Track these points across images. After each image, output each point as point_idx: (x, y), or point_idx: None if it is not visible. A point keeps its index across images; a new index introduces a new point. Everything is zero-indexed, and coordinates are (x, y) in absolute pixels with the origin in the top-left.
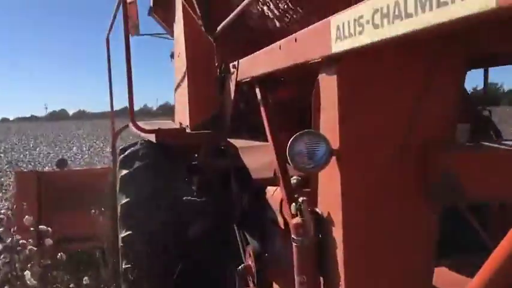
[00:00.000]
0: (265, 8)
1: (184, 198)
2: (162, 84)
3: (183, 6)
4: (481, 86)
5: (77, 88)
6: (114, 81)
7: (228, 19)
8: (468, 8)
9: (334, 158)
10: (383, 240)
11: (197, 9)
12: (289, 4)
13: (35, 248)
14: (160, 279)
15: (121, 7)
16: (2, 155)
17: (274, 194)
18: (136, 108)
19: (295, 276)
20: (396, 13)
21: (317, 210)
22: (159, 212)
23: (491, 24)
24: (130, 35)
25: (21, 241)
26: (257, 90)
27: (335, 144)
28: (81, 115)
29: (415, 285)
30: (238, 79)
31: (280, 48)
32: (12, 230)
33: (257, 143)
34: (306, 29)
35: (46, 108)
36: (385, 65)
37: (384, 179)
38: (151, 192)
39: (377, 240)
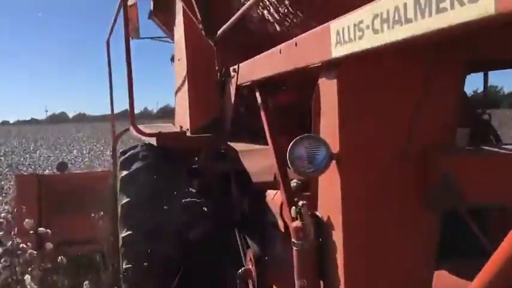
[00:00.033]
0: (265, 12)
1: (184, 200)
2: (163, 87)
3: (184, 9)
4: (481, 89)
5: (77, 91)
6: (114, 84)
7: (228, 23)
8: (467, 14)
9: (334, 162)
10: (383, 244)
11: (197, 13)
12: (290, 8)
13: (35, 252)
14: (161, 280)
15: (121, 10)
16: (2, 158)
17: (274, 198)
18: (136, 111)
19: (296, 280)
20: (396, 18)
21: (317, 214)
22: (159, 212)
23: (491, 30)
24: (130, 38)
25: (21, 245)
26: (257, 94)
27: (335, 148)
28: (81, 118)
29: None
30: (238, 83)
31: (280, 53)
32: (12, 233)
33: (257, 146)
34: (306, 33)
35: (46, 111)
36: (385, 69)
37: (383, 183)
38: (151, 193)
39: (377, 244)
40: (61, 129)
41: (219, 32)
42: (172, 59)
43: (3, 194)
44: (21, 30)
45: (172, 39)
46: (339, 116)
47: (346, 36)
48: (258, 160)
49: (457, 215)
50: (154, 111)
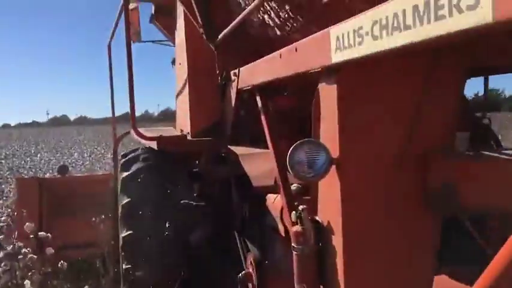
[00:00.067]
0: (266, 16)
1: (184, 201)
2: (164, 90)
3: (185, 13)
4: (481, 93)
5: (78, 94)
6: (115, 87)
7: (229, 27)
8: (465, 21)
9: (334, 166)
10: (383, 249)
11: (198, 17)
12: (290, 13)
13: (35, 257)
14: (161, 280)
15: (123, 14)
16: (3, 161)
17: (274, 202)
18: (137, 114)
19: (296, 285)
20: (395, 25)
21: (317, 218)
22: (159, 212)
23: (490, 38)
24: (132, 42)
25: (23, 250)
26: (258, 98)
27: (335, 153)
28: (82, 121)
29: None
30: (239, 87)
31: (280, 57)
32: (13, 236)
33: (258, 150)
34: (306, 38)
35: (48, 113)
36: (384, 75)
37: (383, 187)
38: (151, 193)
39: (377, 248)
40: (62, 132)
41: (220, 36)
42: (173, 63)
43: (4, 198)
44: (22, 33)
45: (174, 42)
46: (338, 121)
47: (345, 42)
48: (258, 164)
49: (457, 220)
50: (156, 114)
